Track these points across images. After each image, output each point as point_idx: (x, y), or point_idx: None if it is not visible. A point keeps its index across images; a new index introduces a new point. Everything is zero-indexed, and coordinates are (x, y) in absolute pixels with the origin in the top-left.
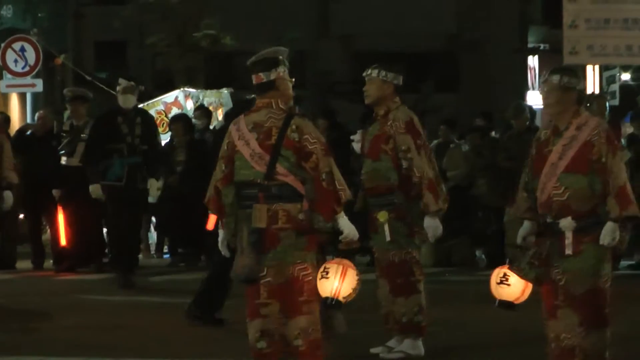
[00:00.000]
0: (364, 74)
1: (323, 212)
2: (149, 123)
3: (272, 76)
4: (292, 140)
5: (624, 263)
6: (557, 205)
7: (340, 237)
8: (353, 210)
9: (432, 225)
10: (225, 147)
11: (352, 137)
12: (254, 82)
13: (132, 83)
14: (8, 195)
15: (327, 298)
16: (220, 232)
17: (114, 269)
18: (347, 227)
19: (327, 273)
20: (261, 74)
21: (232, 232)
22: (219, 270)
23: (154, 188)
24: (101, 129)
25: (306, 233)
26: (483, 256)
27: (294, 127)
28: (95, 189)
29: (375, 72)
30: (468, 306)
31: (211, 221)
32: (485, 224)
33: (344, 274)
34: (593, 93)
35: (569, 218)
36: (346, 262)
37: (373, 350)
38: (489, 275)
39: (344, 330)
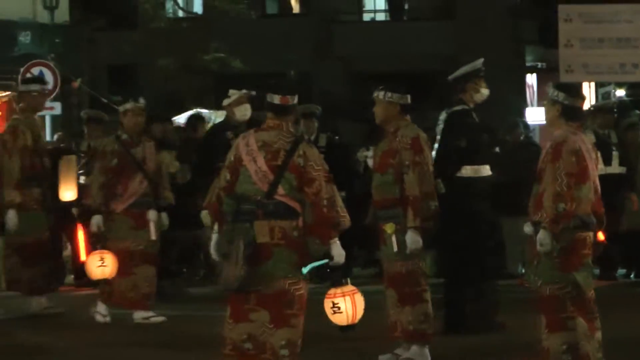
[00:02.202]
0: (374, 96)
1: (320, 236)
2: None
3: (294, 101)
4: (297, 165)
5: (621, 271)
6: None
7: (330, 263)
8: (364, 223)
9: (411, 240)
10: (232, 159)
11: (366, 154)
12: (277, 101)
13: (245, 91)
14: (11, 215)
15: (342, 326)
16: (214, 237)
17: None
18: (338, 254)
19: (339, 308)
20: (288, 97)
21: (230, 240)
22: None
23: None
24: (209, 146)
25: (299, 250)
26: None
27: (301, 152)
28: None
29: (381, 94)
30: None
31: None
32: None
33: (353, 302)
34: (599, 106)
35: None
36: (348, 289)
37: (382, 358)
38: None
39: None
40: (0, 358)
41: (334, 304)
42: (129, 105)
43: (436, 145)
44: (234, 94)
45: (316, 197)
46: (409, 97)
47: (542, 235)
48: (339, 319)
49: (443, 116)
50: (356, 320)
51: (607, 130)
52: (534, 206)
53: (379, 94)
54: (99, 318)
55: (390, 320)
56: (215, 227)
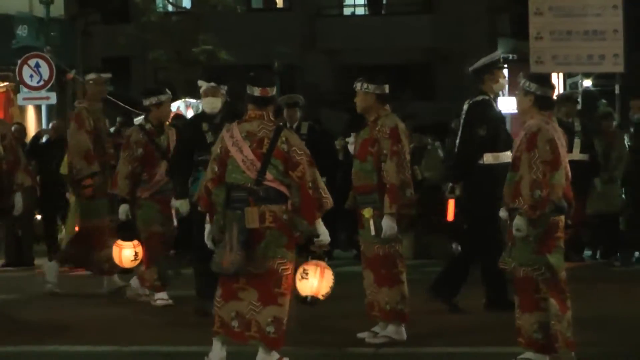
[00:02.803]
0: (354, 86)
1: (307, 216)
2: None
3: (273, 92)
4: (282, 151)
5: (587, 253)
6: None
7: (315, 241)
8: (344, 207)
9: (385, 225)
10: (218, 151)
11: (347, 140)
12: (257, 94)
13: (213, 84)
14: (18, 198)
15: (306, 297)
16: (207, 227)
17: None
18: (323, 233)
19: (307, 274)
20: (268, 89)
21: (221, 228)
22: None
23: None
24: (186, 139)
25: (288, 232)
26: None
27: (283, 138)
28: (182, 205)
29: (359, 85)
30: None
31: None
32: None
33: (322, 275)
34: (566, 96)
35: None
36: (322, 263)
37: (360, 335)
38: None
39: None
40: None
41: (304, 269)
42: (164, 97)
43: (459, 134)
44: (201, 85)
45: (301, 180)
46: (386, 87)
47: (519, 221)
48: (304, 287)
49: (465, 106)
50: (319, 295)
51: (572, 118)
52: (510, 193)
53: (358, 85)
54: (144, 299)
55: (367, 300)
56: (207, 217)
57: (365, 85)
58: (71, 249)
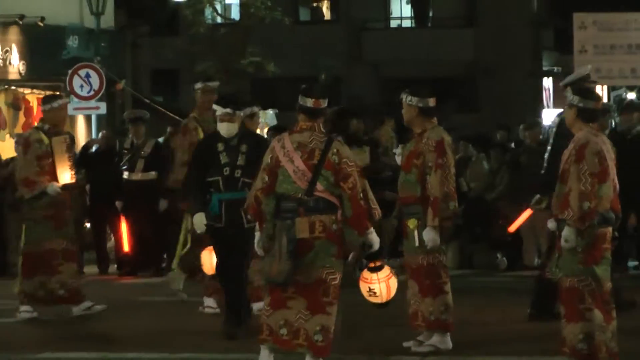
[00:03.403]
0: (400, 98)
1: (358, 227)
2: (258, 152)
3: (325, 104)
4: (333, 162)
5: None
6: None
7: (369, 251)
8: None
9: (428, 237)
10: (269, 161)
11: (394, 151)
12: (310, 105)
13: (229, 110)
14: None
15: (377, 304)
16: (257, 234)
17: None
18: (375, 242)
19: (375, 293)
20: (320, 100)
21: (270, 236)
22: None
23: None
24: (200, 159)
25: (338, 242)
26: (504, 259)
27: (334, 150)
28: (199, 219)
29: (404, 97)
30: (489, 304)
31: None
32: (504, 230)
33: (388, 287)
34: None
35: None
36: (383, 274)
37: (405, 344)
38: (509, 276)
39: None
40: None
41: (370, 289)
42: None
43: (548, 148)
44: (216, 110)
45: (352, 191)
46: (430, 100)
47: (567, 232)
48: (374, 300)
49: (556, 119)
50: (390, 299)
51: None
52: (559, 205)
53: (403, 97)
54: (209, 310)
55: (411, 310)
56: (257, 226)
57: (408, 98)
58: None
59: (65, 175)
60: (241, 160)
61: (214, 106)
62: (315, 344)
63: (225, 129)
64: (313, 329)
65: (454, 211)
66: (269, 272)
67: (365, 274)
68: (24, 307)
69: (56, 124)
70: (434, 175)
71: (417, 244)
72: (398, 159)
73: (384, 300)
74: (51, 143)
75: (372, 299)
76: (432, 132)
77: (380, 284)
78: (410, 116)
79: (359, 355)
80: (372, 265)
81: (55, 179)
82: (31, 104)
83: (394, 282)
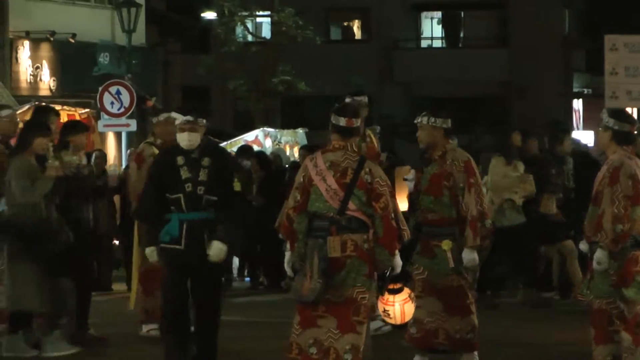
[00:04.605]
0: (416, 121)
1: (389, 247)
2: (224, 164)
3: (358, 123)
4: (365, 182)
5: None
6: None
7: (392, 273)
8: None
9: (469, 257)
10: (301, 179)
11: (405, 177)
12: (343, 124)
13: (190, 118)
14: None
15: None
16: (287, 254)
17: None
18: (398, 265)
19: (389, 315)
20: (353, 119)
21: (302, 255)
22: None
23: (216, 250)
24: (157, 176)
25: (369, 261)
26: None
27: (367, 169)
28: (151, 254)
29: (425, 119)
30: (516, 325)
31: None
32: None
33: (402, 311)
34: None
35: None
36: (400, 297)
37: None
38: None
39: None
40: None
41: (385, 310)
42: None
43: None
44: (176, 118)
45: (384, 211)
46: (449, 121)
47: (600, 254)
48: (389, 321)
49: None
50: (404, 322)
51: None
52: (591, 227)
53: (423, 119)
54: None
55: (428, 327)
56: (287, 245)
57: (432, 119)
58: None
59: None
60: (203, 175)
61: (173, 114)
62: None
63: (186, 139)
64: (343, 348)
65: (489, 229)
66: (300, 290)
67: (384, 294)
68: (148, 326)
69: (166, 138)
70: (468, 195)
71: (451, 265)
72: (411, 185)
73: (397, 322)
74: None
75: (387, 320)
76: (455, 153)
77: (394, 307)
78: (434, 138)
79: None
80: (392, 287)
81: None
82: (62, 121)
83: (409, 307)
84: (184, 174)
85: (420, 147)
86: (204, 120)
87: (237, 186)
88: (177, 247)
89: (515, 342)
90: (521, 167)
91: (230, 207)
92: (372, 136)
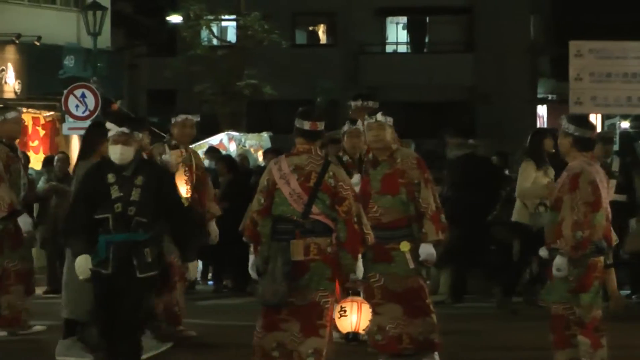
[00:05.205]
0: (369, 121)
1: (352, 250)
2: (159, 185)
3: (322, 127)
4: (329, 185)
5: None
6: None
7: (352, 277)
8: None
9: (428, 252)
10: (265, 183)
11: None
12: (307, 127)
13: (125, 130)
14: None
15: (348, 333)
16: (251, 257)
17: None
18: (360, 269)
19: (345, 312)
20: (317, 123)
21: (265, 258)
22: None
23: (193, 271)
24: (86, 192)
25: (333, 265)
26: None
27: (331, 173)
28: (81, 263)
29: (383, 118)
30: (484, 328)
31: None
32: (499, 257)
33: (360, 310)
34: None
35: None
36: (358, 298)
37: None
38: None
39: None
40: None
41: (342, 307)
42: None
43: None
44: (112, 128)
45: (347, 215)
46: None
47: (560, 261)
48: (344, 324)
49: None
50: (359, 330)
51: (610, 158)
52: (551, 233)
53: (381, 118)
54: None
55: (392, 334)
56: (251, 248)
57: (389, 119)
58: None
59: (182, 189)
60: (135, 195)
61: (108, 124)
62: None
63: (118, 152)
64: (306, 352)
65: (445, 224)
66: (264, 293)
67: (342, 295)
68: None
69: (182, 140)
70: (426, 190)
71: (412, 266)
72: (357, 188)
73: (353, 326)
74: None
75: (342, 322)
76: (404, 151)
77: (352, 305)
78: (393, 137)
79: None
80: (350, 287)
81: None
82: (26, 123)
83: (367, 310)
84: (114, 192)
85: (375, 147)
86: (140, 135)
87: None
88: (104, 271)
89: (484, 346)
90: (551, 173)
91: (184, 221)
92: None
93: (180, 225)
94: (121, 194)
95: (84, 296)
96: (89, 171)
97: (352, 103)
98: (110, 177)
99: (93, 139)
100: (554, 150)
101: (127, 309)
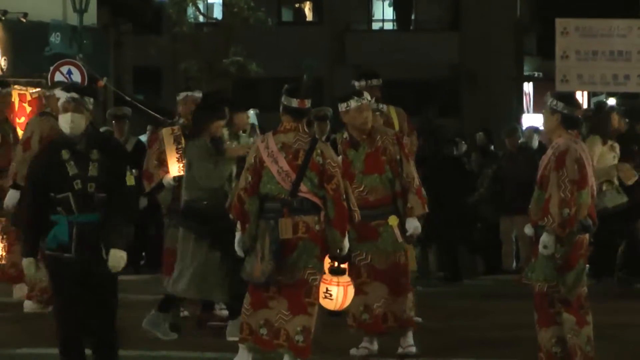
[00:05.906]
0: (361, 101)
1: (340, 228)
2: (114, 156)
3: (309, 104)
4: (317, 163)
5: None
6: None
7: (341, 253)
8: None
9: (415, 225)
10: (252, 161)
11: None
12: (295, 105)
13: (75, 95)
14: None
15: (330, 311)
16: (238, 234)
17: None
18: (346, 246)
19: (330, 295)
20: (305, 100)
21: (253, 237)
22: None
23: (116, 260)
24: (39, 172)
25: (321, 243)
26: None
27: (318, 151)
28: (29, 265)
29: (357, 100)
30: (469, 306)
31: None
32: (484, 234)
33: (345, 293)
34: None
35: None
36: (343, 279)
37: (353, 352)
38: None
39: None
40: None
41: (327, 289)
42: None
43: None
44: (59, 97)
45: (335, 192)
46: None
47: (547, 238)
48: (328, 304)
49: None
50: (343, 308)
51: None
52: (537, 211)
53: (354, 100)
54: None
55: (377, 312)
56: (238, 225)
57: (373, 101)
58: None
59: (174, 167)
60: (93, 170)
61: (56, 91)
62: (296, 344)
63: (68, 120)
64: (294, 329)
65: (425, 197)
66: (251, 272)
67: (326, 275)
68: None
69: (189, 117)
70: (408, 165)
71: (400, 239)
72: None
73: (337, 306)
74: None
75: (326, 302)
76: (381, 129)
77: (338, 287)
78: (369, 117)
79: (340, 356)
80: (334, 266)
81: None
82: (13, 100)
83: (351, 291)
84: (71, 169)
85: (365, 128)
86: (92, 100)
87: (130, 180)
88: (67, 254)
89: (468, 324)
90: (617, 148)
91: (125, 206)
92: (393, 112)
93: (116, 207)
94: (78, 170)
95: (218, 277)
96: (40, 152)
97: (357, 83)
98: (65, 154)
99: (204, 118)
100: (622, 129)
101: (96, 295)
